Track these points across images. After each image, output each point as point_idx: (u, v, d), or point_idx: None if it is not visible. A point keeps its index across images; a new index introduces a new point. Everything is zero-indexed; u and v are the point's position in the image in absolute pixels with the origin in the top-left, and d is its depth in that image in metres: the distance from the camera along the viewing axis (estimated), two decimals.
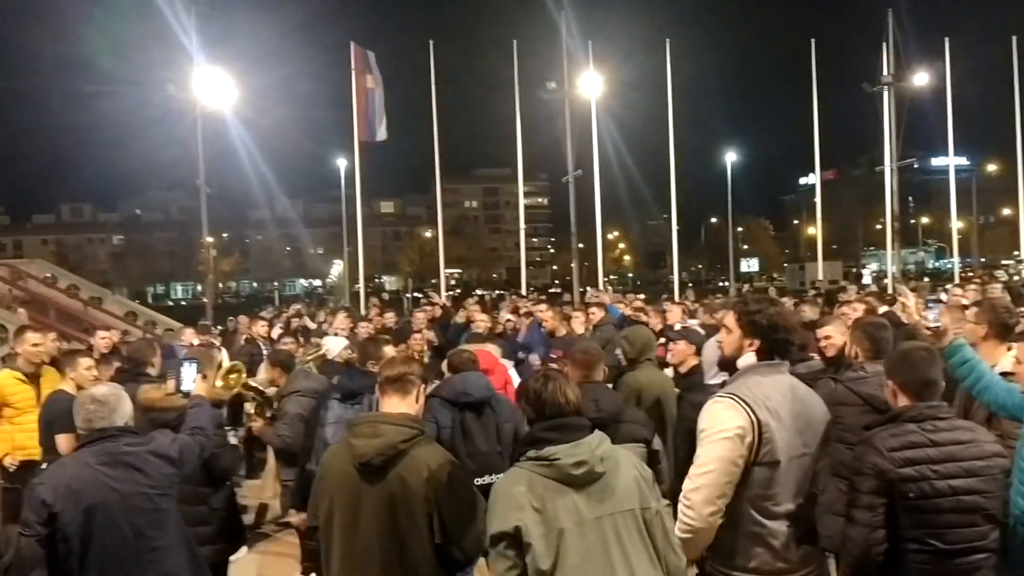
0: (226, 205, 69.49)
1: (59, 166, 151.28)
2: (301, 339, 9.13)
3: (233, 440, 4.92)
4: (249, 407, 5.79)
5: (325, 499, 3.15)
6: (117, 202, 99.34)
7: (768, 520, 2.88)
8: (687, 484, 2.92)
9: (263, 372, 6.79)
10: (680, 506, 2.94)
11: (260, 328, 10.23)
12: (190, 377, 4.11)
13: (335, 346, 7.28)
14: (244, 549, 6.11)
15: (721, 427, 2.84)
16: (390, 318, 10.94)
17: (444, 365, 5.57)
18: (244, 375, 5.47)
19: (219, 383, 4.91)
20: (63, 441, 5.09)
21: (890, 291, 15.29)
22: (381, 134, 24.65)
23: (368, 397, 4.80)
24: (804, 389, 3.09)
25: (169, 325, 19.13)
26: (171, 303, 76.36)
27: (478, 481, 4.51)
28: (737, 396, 2.89)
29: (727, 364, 3.15)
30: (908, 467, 2.91)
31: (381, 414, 3.22)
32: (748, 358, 3.03)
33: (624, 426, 4.27)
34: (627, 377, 5.44)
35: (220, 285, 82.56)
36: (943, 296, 10.82)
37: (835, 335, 4.95)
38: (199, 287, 58.34)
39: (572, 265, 28.16)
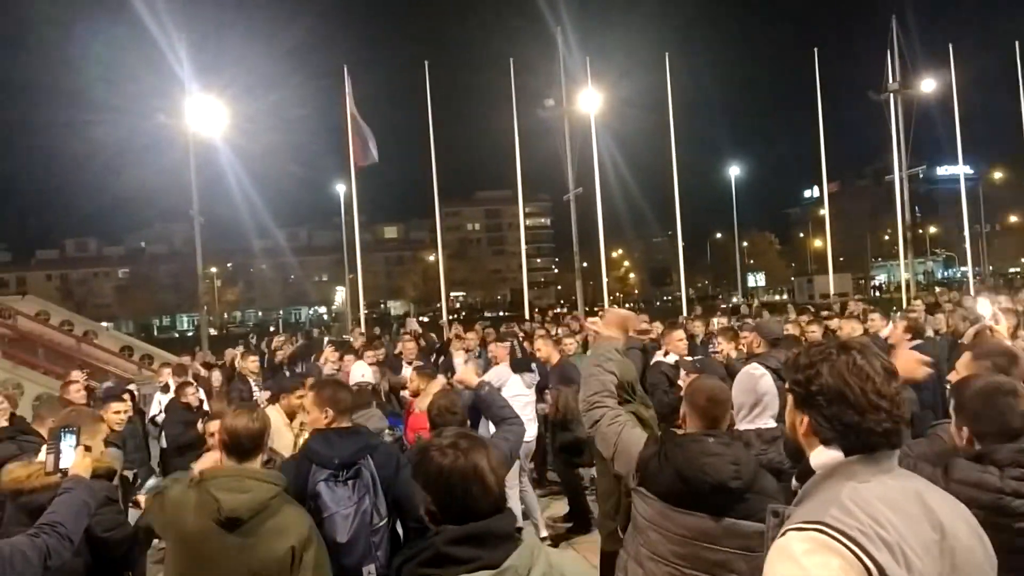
0: (229, 235, 69.54)
1: (60, 199, 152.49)
2: (287, 373, 8.57)
3: (142, 499, 3.84)
4: None
5: (171, 553, 3.02)
6: (121, 235, 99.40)
7: None
8: None
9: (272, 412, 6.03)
10: None
11: (251, 363, 9.49)
12: (69, 451, 3.31)
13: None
14: None
15: None
16: (376, 353, 9.85)
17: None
18: None
19: None
20: None
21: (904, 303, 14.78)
22: (373, 156, 24.29)
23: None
24: (940, 499, 1.71)
25: (167, 359, 18.64)
26: (176, 334, 76.07)
27: None
28: (831, 528, 1.55)
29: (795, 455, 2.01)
30: None
31: (242, 468, 3.09)
32: (822, 455, 1.72)
33: (754, 499, 2.86)
34: None
35: (225, 315, 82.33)
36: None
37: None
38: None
39: (576, 285, 27.62)
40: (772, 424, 3.54)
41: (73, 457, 3.29)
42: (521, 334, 11.36)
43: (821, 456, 1.71)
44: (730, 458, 2.88)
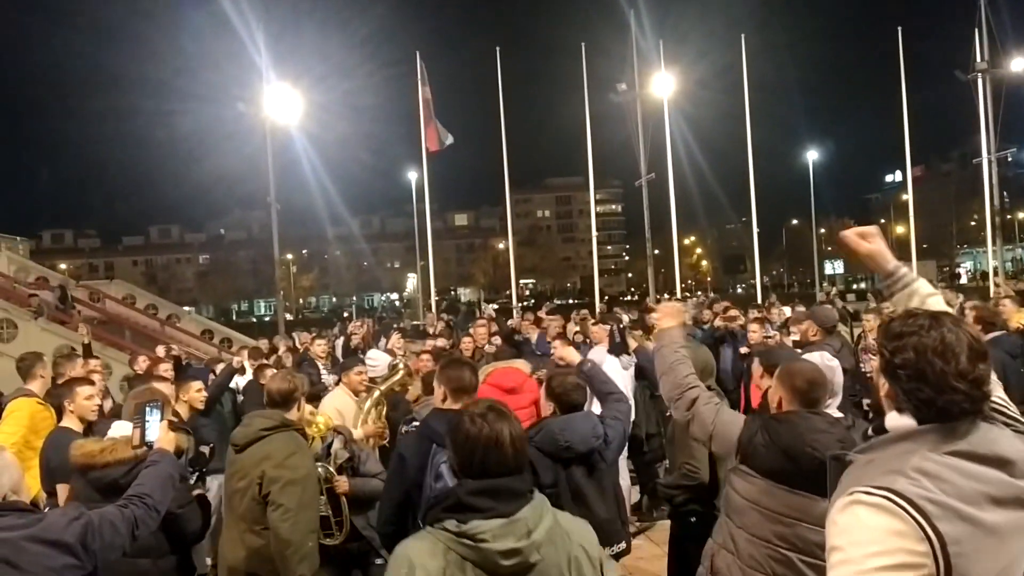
0: (304, 222, 71.11)
1: (145, 187, 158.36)
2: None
3: (202, 489, 4.02)
4: (324, 469, 4.41)
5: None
6: (202, 222, 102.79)
7: None
8: None
9: (331, 400, 6.14)
10: None
11: (319, 348, 9.63)
12: (155, 425, 3.39)
13: (381, 362, 6.79)
14: None
15: (870, 548, 1.54)
16: (437, 343, 9.43)
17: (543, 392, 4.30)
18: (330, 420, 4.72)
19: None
20: (63, 492, 4.34)
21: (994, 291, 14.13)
22: (447, 139, 24.47)
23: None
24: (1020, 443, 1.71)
25: (244, 342, 19.19)
26: (254, 319, 78.26)
27: None
28: (899, 496, 1.55)
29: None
30: None
31: (262, 411, 4.24)
32: (897, 419, 1.75)
33: None
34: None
35: (300, 301, 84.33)
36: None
37: None
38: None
39: (648, 272, 27.33)
40: (840, 414, 3.48)
41: (158, 431, 3.37)
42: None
43: (896, 420, 1.74)
44: (837, 435, 2.87)
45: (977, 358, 1.66)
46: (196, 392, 6.16)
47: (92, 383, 5.21)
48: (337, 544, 4.30)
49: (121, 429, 3.62)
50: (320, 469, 4.32)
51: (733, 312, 10.42)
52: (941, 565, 1.50)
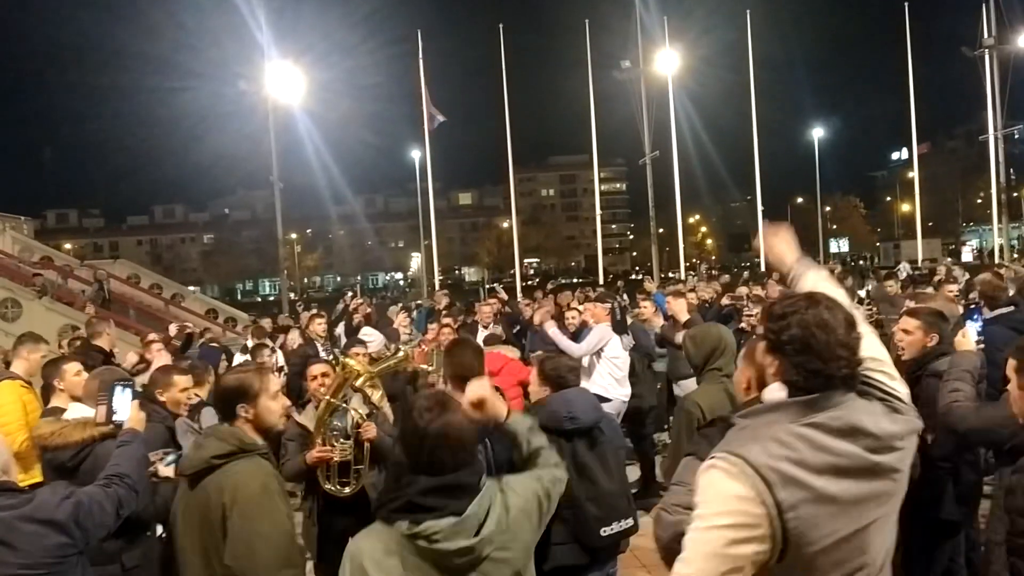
0: (307, 201, 70.99)
1: (148, 165, 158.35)
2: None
3: (166, 471, 3.66)
4: (356, 413, 4.42)
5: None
6: (206, 201, 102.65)
7: None
8: None
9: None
10: None
11: (318, 326, 9.65)
12: (125, 404, 3.34)
13: (377, 339, 6.80)
14: None
15: (716, 507, 1.73)
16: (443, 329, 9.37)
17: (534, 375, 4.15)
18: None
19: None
20: None
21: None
22: (437, 118, 24.58)
23: None
24: (886, 417, 1.88)
25: (248, 322, 19.24)
26: (259, 298, 78.39)
27: (605, 531, 3.62)
28: (744, 460, 1.73)
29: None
30: None
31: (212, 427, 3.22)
32: (771, 392, 1.91)
33: None
34: (687, 399, 4.05)
35: (304, 280, 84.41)
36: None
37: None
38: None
39: (652, 251, 27.29)
40: None
41: (129, 411, 3.36)
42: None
43: (770, 392, 1.91)
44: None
45: (850, 328, 1.84)
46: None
47: (80, 359, 5.18)
48: (346, 498, 4.24)
49: (78, 411, 3.62)
50: (352, 412, 4.34)
51: (742, 289, 10.43)
52: (777, 528, 1.68)
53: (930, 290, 8.46)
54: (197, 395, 5.58)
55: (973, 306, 4.09)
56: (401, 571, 2.06)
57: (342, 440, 4.32)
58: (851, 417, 1.80)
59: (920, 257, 27.10)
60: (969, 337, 3.82)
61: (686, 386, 8.14)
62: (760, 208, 28.77)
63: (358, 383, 4.38)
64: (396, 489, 2.17)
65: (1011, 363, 2.82)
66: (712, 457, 1.79)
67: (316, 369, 4.96)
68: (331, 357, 7.11)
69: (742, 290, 11.67)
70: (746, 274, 24.28)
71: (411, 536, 2.06)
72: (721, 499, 1.72)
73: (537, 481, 2.35)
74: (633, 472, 7.99)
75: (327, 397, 4.32)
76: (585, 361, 7.00)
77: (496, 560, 2.14)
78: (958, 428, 3.41)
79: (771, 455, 1.72)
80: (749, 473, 1.70)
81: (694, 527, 1.74)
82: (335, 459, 4.27)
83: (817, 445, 1.75)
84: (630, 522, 3.77)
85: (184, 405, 4.85)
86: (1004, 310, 6.05)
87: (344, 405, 4.35)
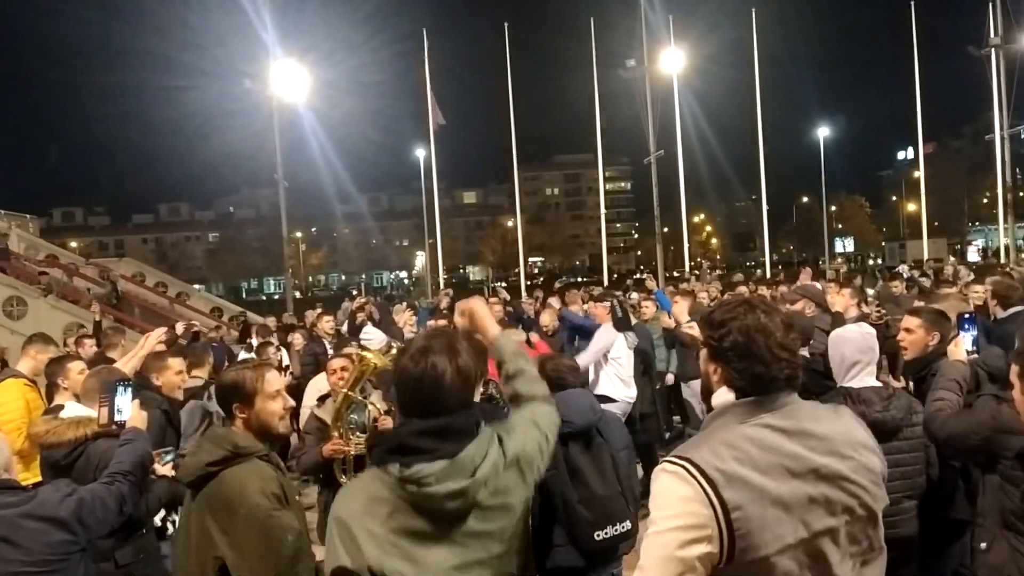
0: (312, 200, 71.14)
1: (154, 164, 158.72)
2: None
3: (163, 469, 3.70)
4: (374, 408, 4.44)
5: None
6: (211, 200, 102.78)
7: None
8: None
9: (317, 384, 6.15)
10: None
11: (326, 325, 9.66)
12: (127, 404, 3.37)
13: (377, 337, 6.78)
14: None
15: (667, 511, 1.75)
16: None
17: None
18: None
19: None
20: None
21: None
22: (440, 119, 24.67)
23: None
24: (836, 426, 1.89)
25: (253, 321, 19.25)
26: (264, 297, 78.50)
27: (599, 534, 3.53)
28: (690, 462, 1.75)
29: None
30: None
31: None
32: (720, 396, 1.94)
33: None
34: None
35: (309, 279, 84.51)
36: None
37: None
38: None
39: (657, 250, 27.25)
40: (878, 383, 3.68)
41: (131, 410, 3.38)
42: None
43: (718, 396, 1.93)
44: None
45: (788, 330, 1.86)
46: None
47: (81, 358, 5.19)
48: None
49: (74, 410, 3.62)
50: (371, 406, 4.38)
51: (742, 288, 10.39)
52: (723, 528, 1.69)
53: (953, 290, 8.32)
54: (197, 376, 5.59)
55: (968, 315, 4.03)
56: (387, 518, 2.00)
57: (359, 434, 4.34)
58: (797, 416, 1.83)
59: (925, 257, 27.01)
60: (962, 347, 3.81)
61: (695, 387, 8.08)
62: (765, 207, 28.72)
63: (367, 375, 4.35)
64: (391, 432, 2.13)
65: (1014, 368, 2.80)
66: (661, 462, 1.82)
67: (335, 363, 4.99)
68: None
69: (742, 289, 11.64)
70: (759, 272, 24.19)
71: (402, 481, 2.01)
72: (670, 502, 1.75)
73: (535, 427, 2.27)
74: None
75: (344, 390, 4.31)
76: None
77: (491, 507, 2.07)
78: (938, 436, 3.42)
79: (718, 456, 1.75)
80: (695, 474, 1.72)
81: (648, 533, 1.76)
82: (351, 453, 4.26)
83: (764, 445, 1.77)
84: (627, 525, 3.66)
85: (179, 388, 4.85)
86: (1015, 309, 6.00)
87: (362, 399, 4.36)
